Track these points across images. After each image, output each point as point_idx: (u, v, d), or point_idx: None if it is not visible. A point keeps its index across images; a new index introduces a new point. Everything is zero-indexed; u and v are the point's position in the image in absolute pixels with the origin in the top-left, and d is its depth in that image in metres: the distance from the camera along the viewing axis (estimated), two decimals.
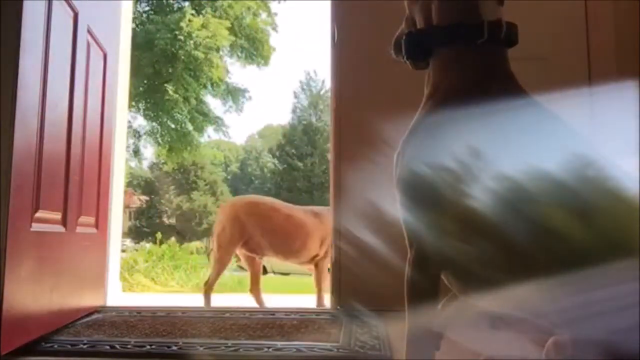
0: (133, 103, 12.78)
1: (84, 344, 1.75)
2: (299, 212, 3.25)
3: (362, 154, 2.45)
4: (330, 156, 2.75)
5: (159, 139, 14.23)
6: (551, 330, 0.90)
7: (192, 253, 8.39)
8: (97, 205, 2.38)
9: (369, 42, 2.61)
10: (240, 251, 3.13)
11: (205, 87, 13.86)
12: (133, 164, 21.32)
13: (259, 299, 3.02)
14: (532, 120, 1.02)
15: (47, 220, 1.83)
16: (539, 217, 0.90)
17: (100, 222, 2.43)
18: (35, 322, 1.76)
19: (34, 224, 1.71)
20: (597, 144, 0.99)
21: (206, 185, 31.56)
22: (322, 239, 3.15)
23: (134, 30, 6.00)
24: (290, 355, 1.67)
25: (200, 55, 12.53)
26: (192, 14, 12.89)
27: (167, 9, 13.64)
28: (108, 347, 1.72)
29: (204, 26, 12.71)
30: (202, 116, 13.84)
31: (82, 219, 2.17)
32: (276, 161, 30.58)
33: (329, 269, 3.39)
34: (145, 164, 29.18)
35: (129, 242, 17.21)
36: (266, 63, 14.97)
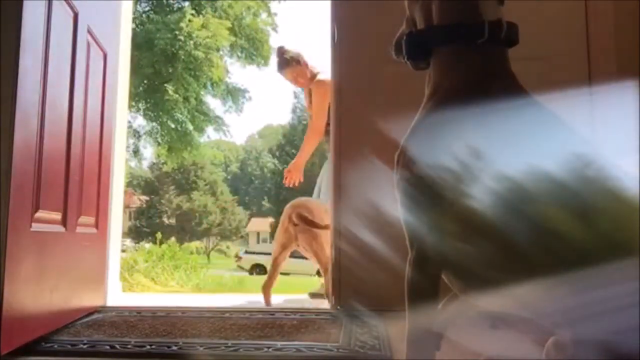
0: (133, 103, 12.78)
1: (84, 344, 1.74)
2: None
3: (362, 154, 2.45)
4: (330, 156, 2.75)
5: (159, 139, 14.23)
6: (551, 330, 0.90)
7: (192, 253, 8.39)
8: (97, 205, 2.38)
9: (369, 42, 2.61)
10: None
11: (205, 87, 13.86)
12: (133, 164, 21.34)
13: (269, 300, 3.04)
14: (532, 121, 1.02)
15: (47, 220, 1.83)
16: (539, 217, 0.90)
17: (100, 222, 2.43)
18: (35, 322, 1.76)
19: (34, 224, 1.71)
20: (597, 144, 0.99)
21: (206, 185, 31.58)
22: None
23: (134, 30, 6.01)
24: (290, 355, 1.67)
25: (200, 55, 12.53)
26: (192, 14, 12.89)
27: (167, 9, 13.65)
28: (108, 347, 1.72)
29: (204, 26, 12.72)
30: (202, 116, 13.85)
31: (82, 219, 2.17)
32: (276, 161, 30.58)
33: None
34: (145, 164, 29.21)
35: (129, 242, 17.21)
36: (266, 63, 14.98)
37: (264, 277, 3.41)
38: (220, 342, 1.79)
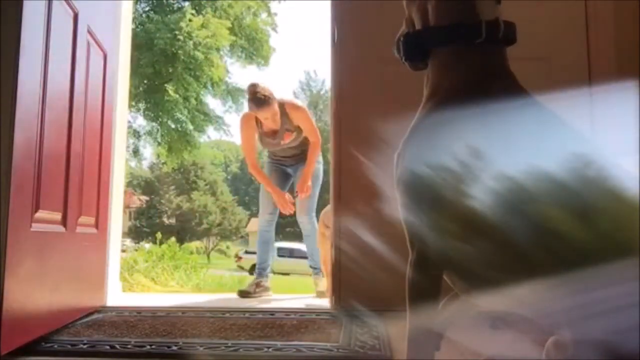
0: (133, 103, 12.76)
1: (84, 344, 1.75)
2: None
3: (362, 154, 2.45)
4: (330, 156, 2.75)
5: (159, 139, 14.22)
6: (551, 330, 0.90)
7: (192, 253, 8.39)
8: (97, 205, 2.38)
9: (369, 42, 2.61)
10: None
11: (205, 87, 13.86)
12: (133, 164, 21.35)
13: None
14: (532, 120, 1.02)
15: (47, 220, 1.83)
16: (539, 217, 0.90)
17: (100, 222, 2.43)
18: (35, 322, 1.76)
19: (34, 224, 1.71)
20: (597, 144, 0.99)
21: (206, 185, 31.58)
22: None
23: (134, 30, 6.00)
24: (290, 355, 1.67)
25: (200, 55, 12.53)
26: (192, 14, 12.88)
27: (167, 9, 13.64)
28: (108, 347, 1.72)
29: (204, 26, 12.71)
30: (203, 116, 13.85)
31: (82, 219, 2.17)
32: None
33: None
34: (145, 164, 29.21)
35: (129, 242, 17.21)
36: (266, 63, 14.98)
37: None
38: (220, 342, 1.79)
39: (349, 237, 2.46)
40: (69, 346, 1.72)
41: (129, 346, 1.72)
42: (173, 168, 19.35)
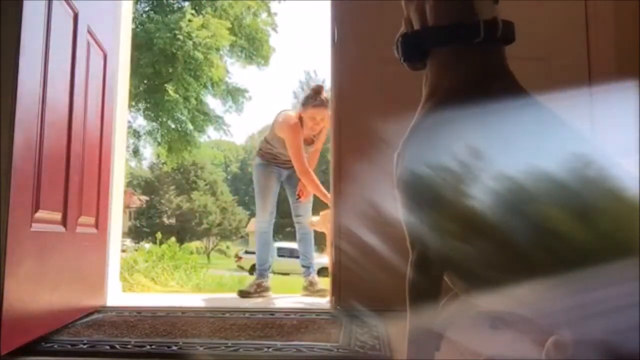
0: (133, 103, 12.76)
1: (84, 344, 1.75)
2: None
3: (362, 154, 2.45)
4: (330, 156, 2.75)
5: (159, 139, 14.22)
6: (551, 330, 0.90)
7: (192, 253, 8.39)
8: (97, 205, 2.38)
9: (369, 42, 2.61)
10: None
11: (205, 87, 13.85)
12: (133, 164, 21.34)
13: None
14: (532, 120, 1.02)
15: (47, 220, 1.83)
16: (539, 217, 0.90)
17: (100, 222, 2.43)
18: (35, 322, 1.76)
19: (34, 224, 1.71)
20: (597, 144, 0.99)
21: (206, 185, 31.57)
22: None
23: (134, 30, 6.00)
24: (290, 355, 1.67)
25: (200, 55, 12.53)
26: (192, 14, 12.88)
27: (167, 9, 13.63)
28: (108, 347, 1.72)
29: (204, 26, 12.71)
30: (203, 115, 13.85)
31: (82, 219, 2.17)
32: None
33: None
34: (145, 164, 29.22)
35: (129, 242, 17.21)
36: (266, 63, 14.97)
37: None
38: (220, 342, 1.79)
39: (349, 237, 2.46)
40: (69, 346, 1.72)
41: (129, 346, 1.72)
42: (173, 168, 19.35)
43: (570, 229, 0.87)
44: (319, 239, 3.66)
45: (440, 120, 1.05)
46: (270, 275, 3.51)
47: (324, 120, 3.28)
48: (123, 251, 5.69)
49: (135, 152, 15.93)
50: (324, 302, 2.86)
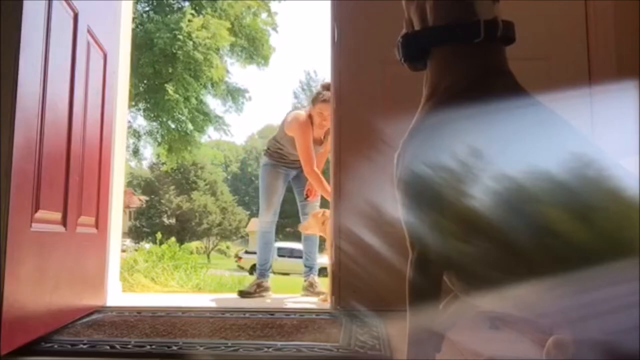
0: (133, 103, 12.77)
1: (84, 344, 1.75)
2: None
3: (362, 154, 2.45)
4: (330, 156, 2.75)
5: (159, 139, 14.23)
6: (551, 330, 0.90)
7: (192, 253, 8.38)
8: (97, 205, 2.38)
9: (369, 42, 2.62)
10: None
11: (205, 87, 13.85)
12: (133, 164, 21.35)
13: None
14: (532, 120, 1.02)
15: (47, 220, 1.83)
16: (539, 217, 0.90)
17: (100, 222, 2.43)
18: (35, 322, 1.76)
19: (34, 224, 1.71)
20: (597, 144, 0.99)
21: (206, 185, 31.58)
22: None
23: (134, 30, 6.00)
24: (290, 355, 1.67)
25: (200, 55, 12.53)
26: (192, 14, 12.89)
27: (167, 9, 13.63)
28: (108, 347, 1.72)
29: (204, 26, 12.71)
30: (203, 115, 13.85)
31: (82, 219, 2.17)
32: None
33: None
34: (145, 164, 29.23)
35: (129, 242, 17.21)
36: (266, 63, 14.97)
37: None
38: (220, 342, 1.79)
39: (349, 237, 2.47)
40: (69, 346, 1.72)
41: (129, 346, 1.72)
42: (173, 168, 19.35)
43: (570, 229, 0.87)
44: (321, 239, 3.67)
45: (440, 120, 1.05)
46: (270, 275, 3.52)
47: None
48: (123, 251, 5.69)
49: (135, 152, 15.94)
50: (322, 304, 2.85)
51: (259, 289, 3.30)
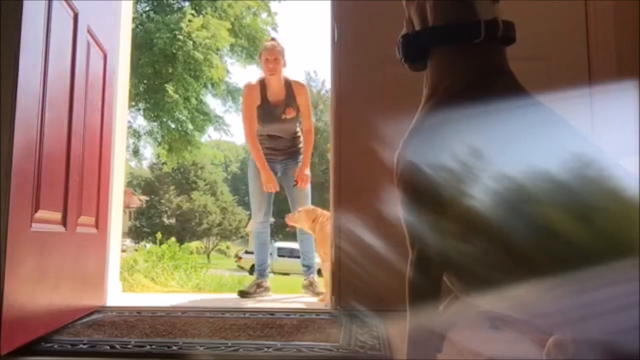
0: (133, 103, 12.76)
1: (84, 344, 1.74)
2: None
3: (362, 154, 2.45)
4: (330, 156, 2.75)
5: (159, 139, 14.22)
6: (550, 331, 0.90)
7: (192, 253, 8.37)
8: (97, 205, 2.38)
9: (369, 42, 2.61)
10: None
11: (205, 87, 13.85)
12: (133, 164, 21.35)
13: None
14: (532, 120, 1.02)
15: (47, 220, 1.83)
16: (539, 217, 0.90)
17: (100, 222, 2.43)
18: (35, 322, 1.76)
19: (34, 224, 1.71)
20: (597, 144, 0.99)
21: (206, 185, 31.58)
22: None
23: (134, 30, 6.00)
24: (290, 355, 1.67)
25: (200, 55, 12.53)
26: (192, 14, 12.88)
27: (167, 9, 13.63)
28: (108, 347, 1.72)
29: (204, 27, 12.70)
30: (203, 115, 13.85)
31: (82, 219, 2.17)
32: None
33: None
34: (145, 164, 29.23)
35: (129, 242, 17.21)
36: None
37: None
38: (220, 342, 1.79)
39: (349, 237, 2.46)
40: (69, 346, 1.72)
41: (129, 346, 1.72)
42: (173, 168, 19.35)
43: (570, 229, 0.87)
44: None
45: (440, 120, 1.05)
46: (269, 275, 3.52)
47: (277, 61, 3.32)
48: (123, 251, 5.69)
49: (135, 152, 15.93)
50: (322, 304, 2.85)
51: (258, 289, 3.30)
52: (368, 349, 1.72)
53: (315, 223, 3.47)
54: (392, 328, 1.99)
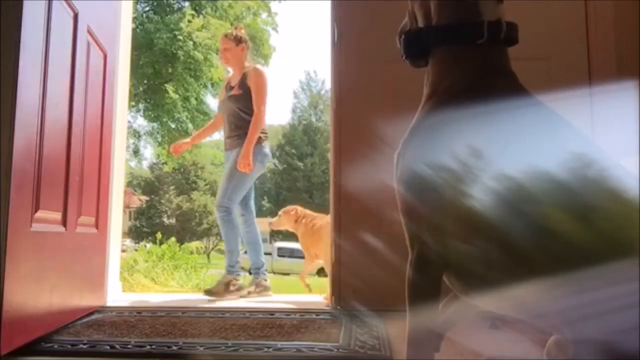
0: (133, 103, 12.76)
1: (84, 344, 1.75)
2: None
3: (362, 154, 2.45)
4: (330, 156, 2.75)
5: (159, 139, 14.22)
6: (550, 331, 0.90)
7: (192, 253, 8.37)
8: (97, 205, 2.38)
9: (369, 42, 2.62)
10: None
11: (205, 87, 13.85)
12: (133, 164, 21.35)
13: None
14: (532, 120, 1.02)
15: (47, 220, 1.83)
16: (539, 217, 0.90)
17: (100, 222, 2.43)
18: (35, 322, 1.76)
19: (34, 224, 1.71)
20: (597, 144, 0.99)
21: (206, 185, 31.56)
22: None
23: (134, 30, 6.00)
24: (290, 355, 1.67)
25: (200, 55, 12.53)
26: (192, 14, 12.89)
27: (167, 9, 13.63)
28: (108, 347, 1.72)
29: (204, 27, 12.71)
30: (203, 115, 13.85)
31: (82, 219, 2.17)
32: (276, 161, 30.56)
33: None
34: (145, 164, 29.23)
35: (129, 242, 17.20)
36: (266, 63, 14.96)
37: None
38: (220, 342, 1.79)
39: (349, 237, 2.47)
40: (69, 346, 1.72)
41: (129, 346, 1.72)
42: (173, 168, 19.34)
43: (570, 229, 0.87)
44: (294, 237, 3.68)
45: (440, 119, 1.05)
46: (265, 273, 3.43)
47: (227, 50, 3.41)
48: (123, 251, 5.68)
49: (135, 152, 15.94)
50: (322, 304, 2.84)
51: (257, 288, 3.22)
52: (368, 349, 1.72)
53: (298, 223, 3.46)
54: (392, 328, 1.99)
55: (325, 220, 3.30)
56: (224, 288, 3.14)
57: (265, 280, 3.31)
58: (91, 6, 2.22)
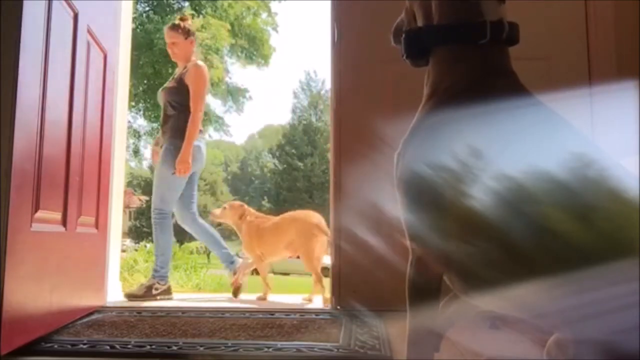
0: (133, 103, 12.77)
1: (84, 344, 1.75)
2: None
3: (362, 154, 2.45)
4: (330, 156, 2.75)
5: None
6: (550, 331, 0.90)
7: (192, 253, 8.38)
8: (97, 205, 2.38)
9: (369, 42, 2.61)
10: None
11: None
12: (133, 164, 21.35)
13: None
14: (532, 120, 1.02)
15: (47, 220, 1.83)
16: (539, 217, 0.90)
17: (100, 222, 2.43)
18: (35, 322, 1.76)
19: (34, 224, 1.71)
20: (597, 144, 0.99)
21: (206, 185, 31.57)
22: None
23: (134, 30, 5.99)
24: (290, 355, 1.67)
25: (200, 56, 12.54)
26: (192, 14, 12.89)
27: (167, 9, 13.64)
28: (108, 347, 1.72)
29: (204, 27, 12.71)
30: (203, 115, 13.86)
31: (82, 219, 2.17)
32: (276, 161, 30.57)
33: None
34: (145, 164, 29.20)
35: (129, 242, 17.19)
36: (266, 63, 14.99)
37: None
38: (220, 342, 1.79)
39: (349, 237, 2.46)
40: (69, 346, 1.72)
41: (129, 346, 1.72)
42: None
43: (570, 229, 0.87)
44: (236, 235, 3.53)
45: (441, 119, 1.05)
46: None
47: (174, 45, 3.30)
48: (123, 251, 5.69)
49: (135, 152, 15.94)
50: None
51: (149, 292, 3.02)
52: (368, 349, 1.72)
53: (242, 220, 3.37)
54: (392, 328, 1.99)
55: (272, 222, 3.20)
56: (144, 291, 3.02)
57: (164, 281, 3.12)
58: (91, 6, 2.22)
